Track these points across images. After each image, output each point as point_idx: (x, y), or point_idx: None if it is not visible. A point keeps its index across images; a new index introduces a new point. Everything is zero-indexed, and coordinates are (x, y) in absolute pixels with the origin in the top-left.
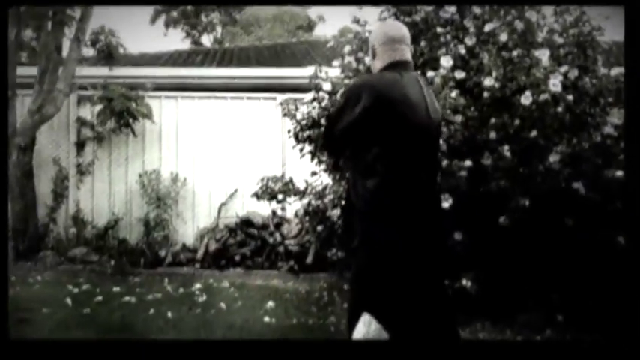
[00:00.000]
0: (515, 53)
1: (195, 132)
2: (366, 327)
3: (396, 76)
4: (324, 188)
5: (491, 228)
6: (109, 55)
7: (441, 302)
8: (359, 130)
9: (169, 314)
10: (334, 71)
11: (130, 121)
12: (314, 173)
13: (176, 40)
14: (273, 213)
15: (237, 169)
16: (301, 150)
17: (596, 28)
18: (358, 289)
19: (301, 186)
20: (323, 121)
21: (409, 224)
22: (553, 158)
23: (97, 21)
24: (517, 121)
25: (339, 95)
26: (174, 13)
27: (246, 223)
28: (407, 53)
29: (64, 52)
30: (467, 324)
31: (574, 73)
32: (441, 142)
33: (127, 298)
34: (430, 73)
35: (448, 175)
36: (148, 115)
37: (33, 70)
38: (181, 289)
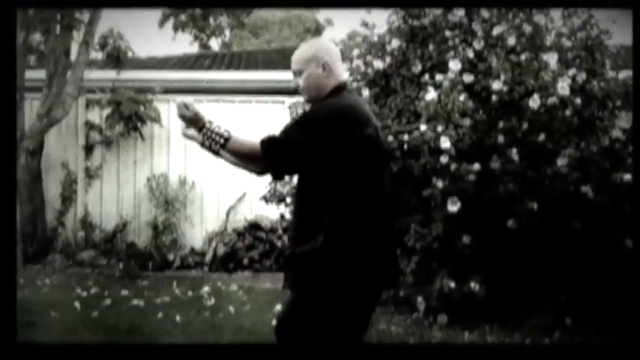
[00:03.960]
0: (523, 57)
1: None
2: None
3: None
4: None
5: (499, 231)
6: (117, 59)
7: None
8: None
9: (178, 318)
10: None
11: (139, 124)
12: None
13: (184, 44)
14: (282, 216)
15: (245, 173)
16: None
17: (604, 32)
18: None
19: None
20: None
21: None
22: (561, 162)
23: (105, 24)
24: (525, 125)
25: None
26: (183, 17)
27: (254, 226)
28: None
29: (73, 56)
30: (475, 327)
31: (582, 77)
32: (448, 146)
33: (135, 301)
34: (438, 77)
35: (456, 178)
36: (157, 119)
37: (41, 74)
38: (190, 293)
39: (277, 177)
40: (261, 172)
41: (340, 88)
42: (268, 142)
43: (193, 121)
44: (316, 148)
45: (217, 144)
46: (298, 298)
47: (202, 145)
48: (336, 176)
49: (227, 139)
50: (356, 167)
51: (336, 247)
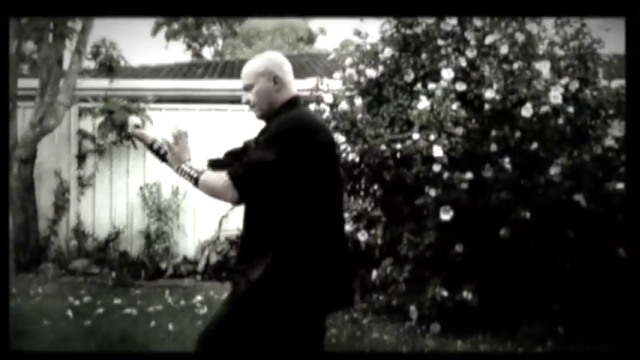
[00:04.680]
0: (515, 65)
1: (196, 144)
2: None
3: (314, 113)
4: None
5: (492, 240)
6: (109, 68)
7: None
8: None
9: (170, 326)
10: (335, 83)
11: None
12: None
13: (177, 53)
14: None
15: None
16: None
17: (597, 40)
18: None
19: None
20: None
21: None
22: (554, 170)
23: (97, 33)
24: (518, 134)
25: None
26: (175, 26)
27: None
28: None
29: (65, 65)
30: (468, 336)
31: (575, 86)
32: (441, 155)
33: (128, 310)
34: (431, 86)
35: (449, 187)
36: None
37: (34, 83)
38: (182, 302)
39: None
40: (233, 203)
41: (293, 102)
42: (237, 173)
43: (181, 149)
44: (284, 164)
45: (192, 179)
46: (239, 316)
47: (150, 147)
48: (290, 191)
49: (200, 175)
50: (311, 182)
51: (284, 268)
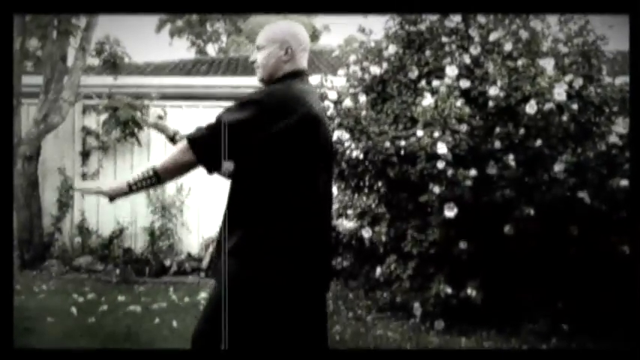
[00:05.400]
0: (519, 62)
1: None
2: None
3: (309, 88)
4: None
5: (496, 237)
6: (114, 65)
7: None
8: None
9: (175, 323)
10: (339, 80)
11: (135, 130)
12: None
13: (181, 50)
14: None
15: None
16: None
17: (601, 37)
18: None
19: None
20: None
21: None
22: (558, 167)
23: (102, 30)
24: (522, 131)
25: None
26: (180, 23)
27: None
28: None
29: (69, 62)
30: (472, 333)
31: (579, 82)
32: (445, 152)
33: (132, 307)
34: (435, 83)
35: (453, 184)
36: None
37: (38, 80)
38: (187, 299)
39: (211, 167)
40: (192, 166)
41: (294, 74)
42: (193, 135)
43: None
44: (247, 128)
45: (152, 185)
46: (219, 299)
47: (172, 139)
48: (264, 170)
49: (155, 168)
50: (287, 160)
51: (254, 240)
